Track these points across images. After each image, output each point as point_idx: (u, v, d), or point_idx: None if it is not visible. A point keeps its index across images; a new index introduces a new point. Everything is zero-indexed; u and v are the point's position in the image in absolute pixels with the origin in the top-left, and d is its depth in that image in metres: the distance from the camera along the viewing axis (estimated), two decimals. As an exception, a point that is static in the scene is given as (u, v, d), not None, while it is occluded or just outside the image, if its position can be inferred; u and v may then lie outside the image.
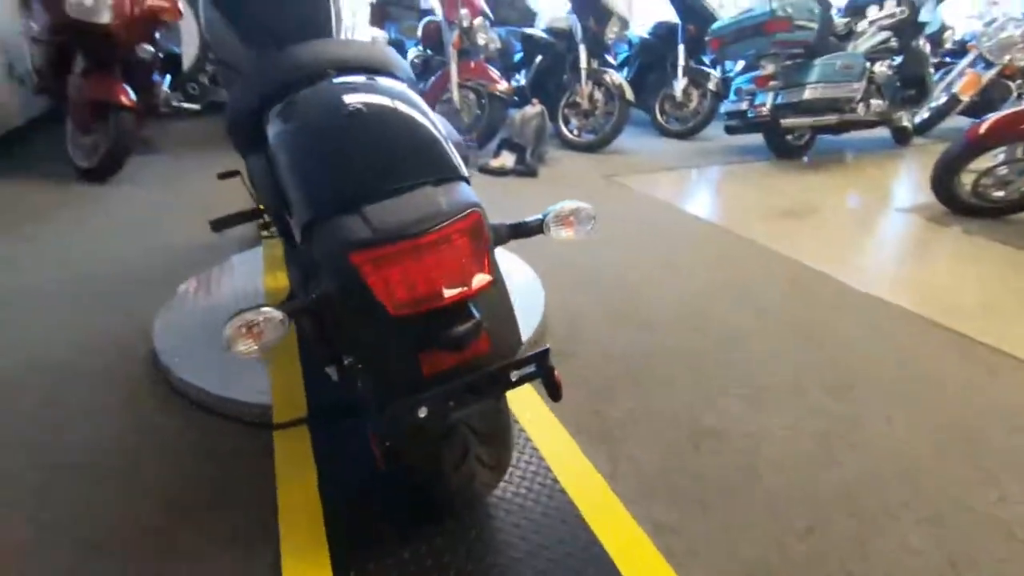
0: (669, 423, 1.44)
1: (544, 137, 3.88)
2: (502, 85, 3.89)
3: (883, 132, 4.49)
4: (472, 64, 3.93)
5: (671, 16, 4.68)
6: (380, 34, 3.62)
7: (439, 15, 3.84)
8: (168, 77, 3.76)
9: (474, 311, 0.64)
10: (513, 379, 0.69)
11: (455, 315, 0.63)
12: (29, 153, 3.60)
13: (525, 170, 3.64)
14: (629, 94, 4.07)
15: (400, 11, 4.68)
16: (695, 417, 1.46)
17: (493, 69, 3.96)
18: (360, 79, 0.90)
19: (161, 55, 3.63)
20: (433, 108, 3.54)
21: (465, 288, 0.63)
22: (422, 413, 0.64)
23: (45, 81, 3.29)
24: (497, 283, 0.69)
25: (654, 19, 5.11)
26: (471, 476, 0.87)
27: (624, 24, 4.16)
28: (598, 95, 4.22)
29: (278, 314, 0.61)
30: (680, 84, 4.59)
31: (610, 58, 4.57)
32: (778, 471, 1.29)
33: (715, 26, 4.09)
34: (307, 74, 0.94)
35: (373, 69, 0.99)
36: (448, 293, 0.62)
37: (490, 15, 3.98)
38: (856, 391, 1.58)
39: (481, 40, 3.94)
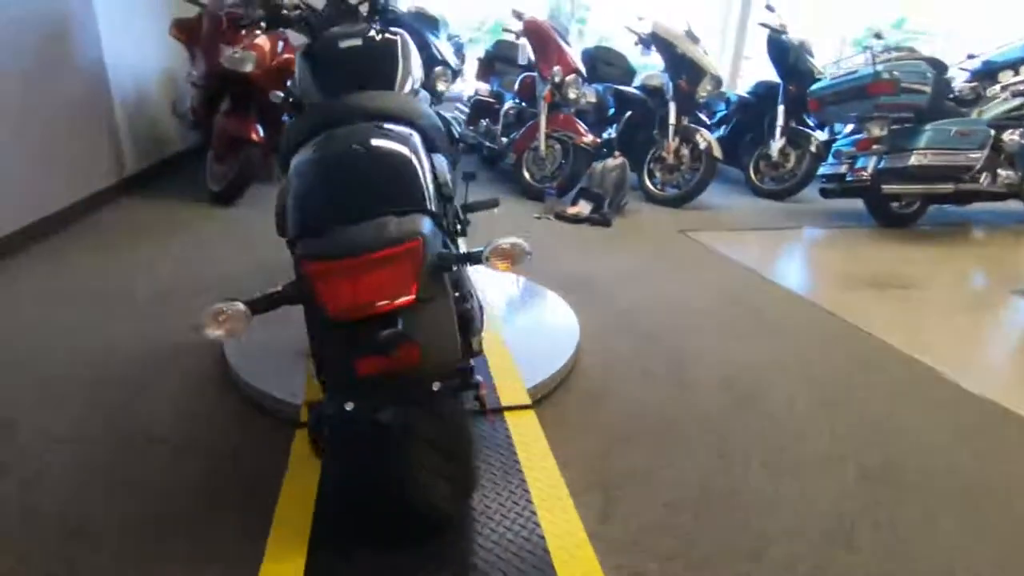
0: (676, 484, 1.41)
1: (623, 189, 3.93)
2: (587, 138, 4.02)
3: (1020, 206, 4.05)
4: (561, 117, 4.12)
5: (775, 76, 4.61)
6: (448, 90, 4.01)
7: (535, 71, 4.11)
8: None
9: (400, 322, 0.73)
10: (434, 388, 0.77)
11: (384, 325, 0.73)
12: (183, 177, 4.27)
13: (600, 219, 3.70)
14: (716, 151, 4.04)
15: (504, 66, 5.01)
16: (707, 481, 1.42)
17: (580, 122, 4.11)
18: (370, 125, 1.05)
19: (291, 99, 4.18)
20: (521, 156, 3.72)
21: (393, 302, 0.72)
22: (348, 407, 0.74)
23: (198, 118, 3.93)
24: (437, 304, 0.78)
25: (757, 78, 5.05)
26: (428, 487, 0.94)
27: (717, 83, 4.16)
28: (685, 151, 4.22)
29: (243, 308, 0.73)
30: (777, 144, 4.46)
31: (703, 116, 4.56)
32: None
33: (815, 87, 3.97)
34: (337, 119, 1.11)
35: (394, 117, 1.13)
36: (379, 304, 0.72)
37: (583, 72, 4.17)
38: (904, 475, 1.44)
39: (572, 95, 4.13)
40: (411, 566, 1.07)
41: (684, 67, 4.12)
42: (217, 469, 1.40)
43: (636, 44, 4.36)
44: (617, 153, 3.98)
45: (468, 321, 1.09)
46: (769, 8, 4.49)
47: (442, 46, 4.03)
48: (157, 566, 1.11)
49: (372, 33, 1.74)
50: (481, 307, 1.31)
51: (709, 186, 4.19)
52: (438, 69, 3.93)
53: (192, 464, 1.41)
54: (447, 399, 0.77)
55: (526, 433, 1.49)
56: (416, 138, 1.10)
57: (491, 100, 4.97)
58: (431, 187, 0.93)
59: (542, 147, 4.14)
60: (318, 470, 1.33)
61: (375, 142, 0.98)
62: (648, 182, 4.39)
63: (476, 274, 1.64)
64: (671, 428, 1.65)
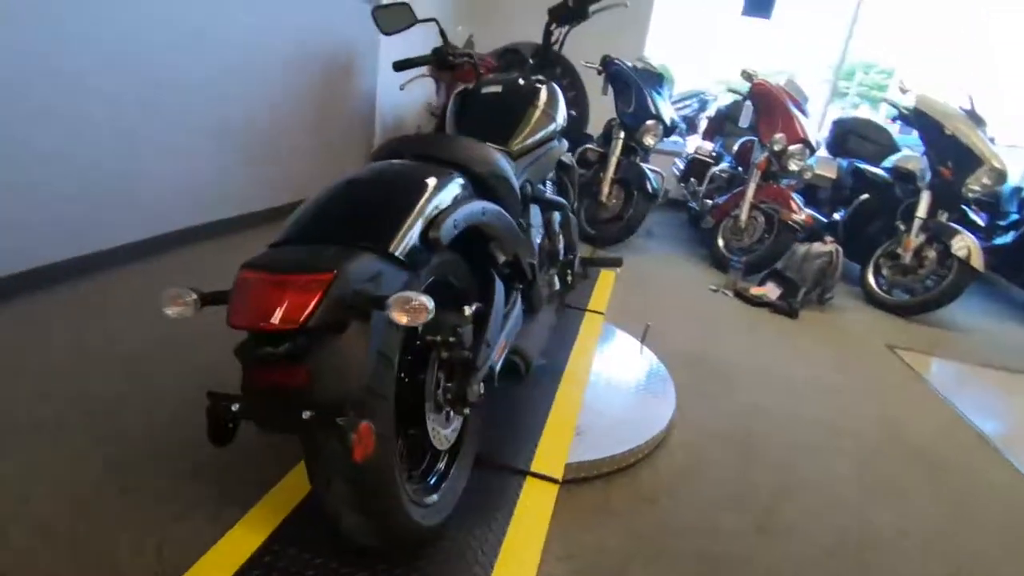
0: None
1: (828, 281, 3.35)
2: (798, 215, 3.54)
3: None
4: (772, 187, 3.72)
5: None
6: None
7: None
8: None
9: (288, 344, 0.76)
10: (304, 416, 0.77)
11: (276, 343, 0.76)
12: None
13: (785, 308, 3.22)
14: (977, 261, 3.18)
15: (732, 127, 4.74)
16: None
17: (796, 198, 3.65)
18: (404, 163, 1.12)
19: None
20: (720, 221, 3.47)
21: (279, 324, 0.75)
22: (235, 408, 0.80)
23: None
24: (344, 339, 0.78)
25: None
26: (336, 509, 0.95)
27: (998, 177, 3.28)
28: (931, 252, 3.41)
29: (194, 296, 0.85)
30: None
31: (975, 215, 3.63)
32: None
33: None
34: (387, 153, 1.20)
35: (446, 161, 1.17)
36: (263, 324, 0.75)
37: (812, 144, 3.70)
38: None
39: (793, 166, 3.70)
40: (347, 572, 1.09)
41: (950, 151, 3.35)
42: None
43: (894, 120, 3.71)
44: (829, 239, 3.42)
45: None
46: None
47: (660, 101, 3.98)
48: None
49: (519, 81, 1.84)
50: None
51: (955, 301, 3.32)
52: (648, 123, 3.90)
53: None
54: (330, 427, 0.77)
55: (534, 507, 1.38)
56: (456, 182, 1.12)
57: (709, 160, 4.73)
58: (416, 229, 0.94)
59: (743, 216, 3.78)
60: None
61: (392, 178, 1.04)
62: (872, 279, 3.66)
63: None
64: (718, 569, 1.35)
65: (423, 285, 1.01)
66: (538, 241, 1.72)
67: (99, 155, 2.34)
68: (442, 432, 1.19)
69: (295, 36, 3.33)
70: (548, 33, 2.02)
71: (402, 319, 0.77)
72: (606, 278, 3.21)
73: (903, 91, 3.57)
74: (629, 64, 4.05)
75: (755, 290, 3.39)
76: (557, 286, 1.90)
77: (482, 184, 1.24)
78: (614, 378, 2.08)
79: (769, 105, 3.78)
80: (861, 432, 2.08)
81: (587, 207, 4.12)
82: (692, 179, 4.77)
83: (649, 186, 3.86)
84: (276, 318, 0.74)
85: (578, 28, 2.08)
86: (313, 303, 0.75)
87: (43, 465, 1.37)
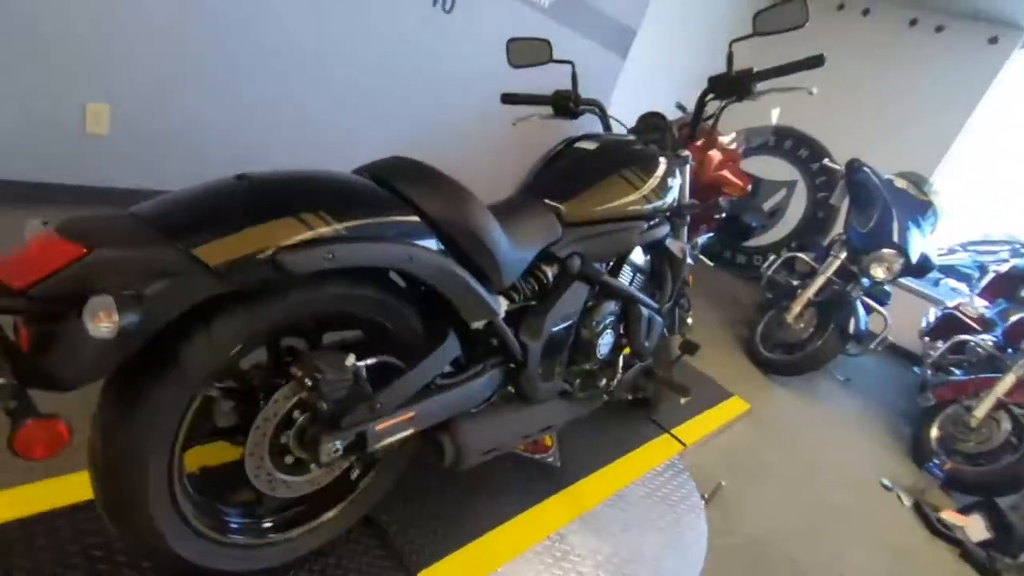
0: None
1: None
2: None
3: None
4: (1041, 391, 2.60)
5: None
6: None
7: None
8: (710, 234, 4.21)
9: (10, 300, 0.70)
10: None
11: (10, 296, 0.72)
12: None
13: (983, 561, 2.19)
14: None
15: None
16: None
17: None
18: (345, 174, 1.02)
19: (720, 216, 4.10)
20: (943, 405, 2.63)
21: (16, 282, 0.70)
22: None
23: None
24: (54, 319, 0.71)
25: None
26: None
27: None
28: None
29: None
30: None
31: None
32: None
33: None
34: (381, 170, 1.11)
35: (401, 194, 1.01)
36: (6, 277, 0.71)
37: None
38: None
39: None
40: None
41: None
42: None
43: None
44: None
45: None
46: None
47: (913, 231, 3.12)
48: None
49: (626, 144, 1.59)
50: None
51: None
52: (884, 251, 3.08)
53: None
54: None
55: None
56: (392, 218, 0.97)
57: (970, 322, 3.55)
58: (256, 245, 0.82)
59: (978, 412, 2.72)
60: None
61: (278, 181, 0.92)
62: None
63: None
64: None
65: (259, 310, 0.89)
66: (567, 325, 1.44)
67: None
68: (278, 475, 1.05)
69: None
70: (701, 105, 1.71)
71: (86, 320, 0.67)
72: (732, 407, 2.63)
73: None
74: (886, 176, 3.27)
75: (950, 514, 2.40)
76: (571, 385, 1.55)
77: (443, 232, 1.06)
78: (625, 530, 1.65)
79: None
80: None
81: (768, 321, 3.46)
82: (940, 339, 3.65)
83: (853, 325, 3.06)
84: (13, 273, 0.70)
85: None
86: (48, 271, 0.69)
87: None
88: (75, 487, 1.17)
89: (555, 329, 1.40)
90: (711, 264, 3.82)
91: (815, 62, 1.43)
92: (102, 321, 0.67)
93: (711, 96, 1.68)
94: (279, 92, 2.68)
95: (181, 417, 0.89)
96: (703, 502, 1.86)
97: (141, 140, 2.38)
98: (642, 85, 4.40)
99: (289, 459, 1.06)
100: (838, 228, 3.91)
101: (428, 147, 3.34)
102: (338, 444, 1.02)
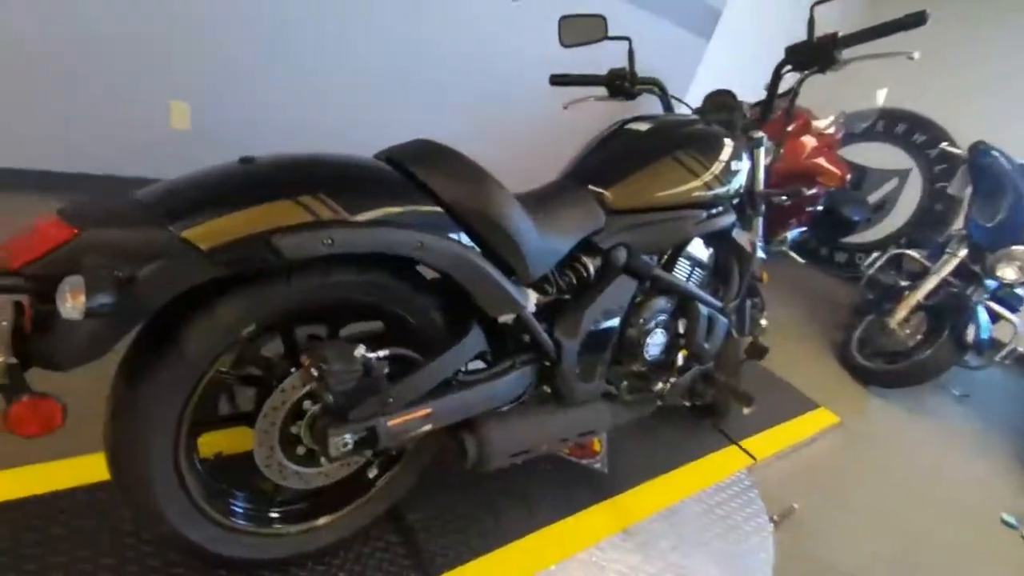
0: None
1: None
2: None
3: None
4: None
5: None
6: None
7: None
8: (802, 229, 3.83)
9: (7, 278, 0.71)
10: None
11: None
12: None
13: None
14: None
15: None
16: None
17: None
18: (363, 159, 0.98)
19: (815, 208, 3.73)
20: None
21: (10, 261, 0.71)
22: None
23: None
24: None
25: None
26: None
27: None
28: None
29: None
30: None
31: None
32: None
33: None
34: (397, 154, 1.06)
35: (420, 181, 0.96)
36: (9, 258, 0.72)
37: None
38: None
39: None
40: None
41: None
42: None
43: None
44: None
45: None
46: None
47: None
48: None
49: (676, 122, 1.44)
50: None
51: None
52: (1015, 248, 2.65)
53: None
54: None
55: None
56: (408, 207, 0.92)
57: None
58: (251, 227, 0.79)
59: None
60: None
61: (284, 163, 0.89)
62: None
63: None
64: None
65: (264, 296, 0.87)
66: (611, 322, 1.32)
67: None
68: (288, 465, 1.03)
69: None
70: (777, 78, 1.50)
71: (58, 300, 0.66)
72: (816, 419, 2.36)
73: None
74: (1019, 161, 2.80)
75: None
76: (616, 388, 1.42)
77: (463, 221, 0.99)
78: (675, 548, 1.51)
79: None
80: None
81: (867, 325, 3.09)
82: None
83: (972, 333, 2.65)
84: (13, 253, 0.72)
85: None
86: (40, 252, 0.70)
87: None
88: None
89: (596, 326, 1.29)
90: (801, 261, 3.46)
91: (915, 20, 1.21)
92: (68, 302, 0.66)
93: (788, 68, 1.48)
94: (350, 86, 2.74)
95: (187, 399, 0.89)
96: (771, 524, 1.66)
97: (220, 135, 2.52)
98: (728, 70, 4.09)
99: (301, 449, 1.04)
100: (959, 224, 3.43)
101: (500, 135, 3.29)
102: (347, 438, 0.98)
